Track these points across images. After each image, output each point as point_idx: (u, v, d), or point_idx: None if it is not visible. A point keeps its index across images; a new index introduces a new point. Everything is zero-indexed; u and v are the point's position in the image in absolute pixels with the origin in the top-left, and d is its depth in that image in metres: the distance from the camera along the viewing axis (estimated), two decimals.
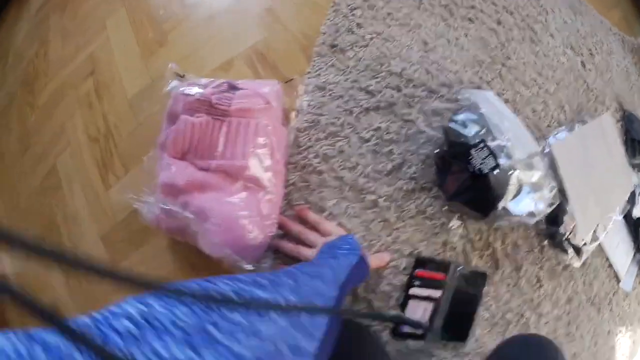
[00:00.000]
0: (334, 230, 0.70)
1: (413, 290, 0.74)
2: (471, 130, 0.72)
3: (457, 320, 0.77)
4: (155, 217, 0.68)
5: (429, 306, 0.75)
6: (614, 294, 0.97)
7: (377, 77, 0.84)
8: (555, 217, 0.86)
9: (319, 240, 0.67)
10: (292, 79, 0.81)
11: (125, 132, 0.89)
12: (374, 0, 0.94)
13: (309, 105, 0.81)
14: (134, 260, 0.80)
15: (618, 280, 1.00)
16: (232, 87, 0.74)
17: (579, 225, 0.86)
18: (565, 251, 0.87)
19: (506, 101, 0.91)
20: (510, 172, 0.69)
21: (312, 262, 0.51)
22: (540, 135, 0.92)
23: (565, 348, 0.85)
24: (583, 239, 0.88)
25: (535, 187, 0.74)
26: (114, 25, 1.00)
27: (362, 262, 0.58)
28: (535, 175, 0.74)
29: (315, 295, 0.41)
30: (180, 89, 0.73)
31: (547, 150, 0.90)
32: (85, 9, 1.10)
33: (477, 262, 0.80)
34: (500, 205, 0.71)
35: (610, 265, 0.98)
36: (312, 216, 0.73)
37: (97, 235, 0.84)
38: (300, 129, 0.80)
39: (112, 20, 1.00)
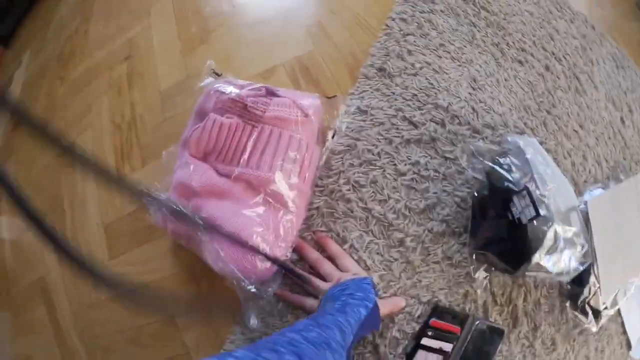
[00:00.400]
0: (352, 268, 0.65)
1: (425, 341, 0.68)
2: (515, 176, 0.69)
3: None
4: (162, 217, 0.64)
5: (438, 359, 0.71)
6: None
7: (422, 109, 0.80)
8: (580, 278, 0.82)
9: (334, 274, 0.63)
10: (334, 96, 0.77)
11: (151, 124, 0.86)
12: (428, 29, 0.91)
13: (347, 127, 0.77)
14: (133, 256, 0.77)
15: (629, 348, 0.97)
16: (270, 93, 0.71)
17: (603, 288, 0.82)
18: (585, 314, 0.83)
19: (547, 151, 0.88)
20: (548, 225, 0.66)
21: (318, 320, 0.46)
22: (577, 190, 0.88)
23: None
24: (604, 303, 0.85)
25: (569, 244, 0.70)
26: (158, 13, 0.98)
27: (373, 313, 0.54)
28: (571, 231, 0.70)
29: None
30: (215, 86, 0.69)
31: (582, 206, 0.86)
32: None
33: (496, 318, 0.76)
34: (534, 259, 0.67)
35: (625, 332, 0.94)
36: (334, 247, 0.68)
37: (101, 224, 0.81)
38: (334, 151, 0.76)
39: (157, 8, 0.98)
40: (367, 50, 0.85)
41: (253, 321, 0.63)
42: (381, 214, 0.72)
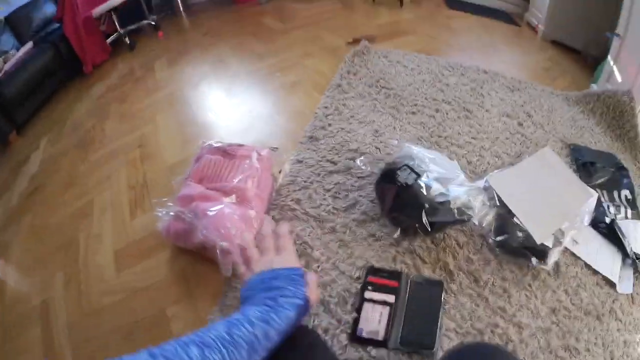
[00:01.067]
0: (288, 248, 0.67)
1: (368, 294, 0.85)
2: (398, 161, 0.99)
3: (418, 326, 0.82)
4: (166, 227, 0.94)
5: (384, 310, 0.83)
6: (613, 301, 0.96)
7: (339, 153, 1.19)
8: (501, 228, 1.00)
9: (269, 252, 0.65)
10: (276, 148, 1.16)
11: (158, 185, 1.20)
12: (342, 108, 1.36)
13: (290, 170, 1.15)
14: (136, 269, 0.99)
15: (611, 286, 0.99)
16: (240, 145, 1.12)
17: (532, 231, 0.99)
18: (524, 256, 0.97)
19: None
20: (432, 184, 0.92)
21: (250, 317, 0.51)
22: (477, 177, 1.13)
23: None
24: (540, 242, 0.97)
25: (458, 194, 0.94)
26: (163, 119, 1.45)
27: (301, 310, 0.56)
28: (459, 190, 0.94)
29: None
30: (207, 143, 1.11)
31: (487, 184, 1.09)
32: (140, 105, 1.56)
33: (430, 275, 0.94)
34: (426, 206, 0.90)
35: (597, 273, 1.00)
36: (284, 228, 0.70)
37: (112, 249, 1.05)
38: (282, 184, 1.12)
39: (162, 116, 1.47)
40: (303, 128, 1.29)
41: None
42: (316, 214, 1.03)
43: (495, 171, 1.18)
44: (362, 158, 1.08)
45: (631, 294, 1.00)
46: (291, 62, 1.76)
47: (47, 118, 1.97)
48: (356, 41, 1.80)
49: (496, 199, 1.07)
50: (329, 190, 1.08)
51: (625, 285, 1.02)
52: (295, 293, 0.56)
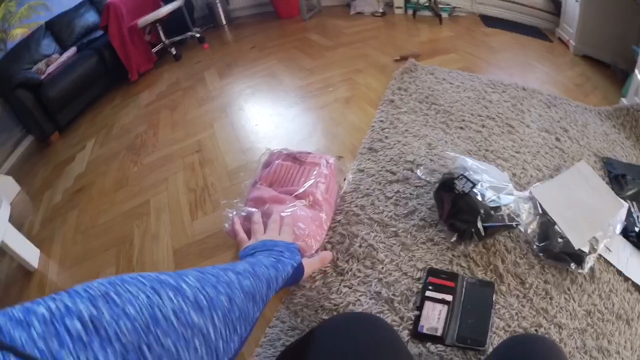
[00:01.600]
0: (288, 232, 0.82)
1: (428, 293, 0.95)
2: (455, 174, 1.12)
3: (472, 324, 0.90)
4: (233, 227, 0.94)
5: (443, 308, 0.93)
6: None
7: (397, 164, 1.33)
8: (544, 234, 1.13)
9: (274, 231, 0.81)
10: (341, 157, 1.30)
11: (220, 188, 1.25)
12: (397, 123, 1.51)
13: (353, 179, 1.29)
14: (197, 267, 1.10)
15: None
16: (308, 153, 1.22)
17: (571, 238, 1.10)
18: (564, 260, 1.08)
19: None
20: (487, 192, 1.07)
21: (255, 269, 0.53)
22: (521, 187, 1.28)
23: None
24: (578, 247, 1.09)
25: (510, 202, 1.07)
26: (220, 127, 1.55)
27: (297, 271, 0.66)
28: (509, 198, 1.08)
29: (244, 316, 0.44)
30: (276, 150, 1.20)
31: (531, 195, 1.23)
32: (194, 113, 1.63)
33: (482, 277, 1.02)
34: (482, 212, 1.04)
35: (627, 279, 1.08)
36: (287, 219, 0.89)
37: (171, 248, 1.06)
38: (346, 191, 1.25)
39: (218, 123, 1.56)
40: (361, 139, 1.43)
41: None
42: (379, 219, 1.17)
43: (538, 183, 1.30)
44: (421, 168, 1.22)
45: None
46: (342, 78, 1.85)
47: (92, 122, 2.01)
48: (403, 58, 1.93)
49: (539, 208, 1.20)
50: (390, 198, 1.21)
51: None
52: (292, 257, 0.66)
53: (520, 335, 0.72)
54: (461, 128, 1.50)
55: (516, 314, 0.98)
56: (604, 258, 1.14)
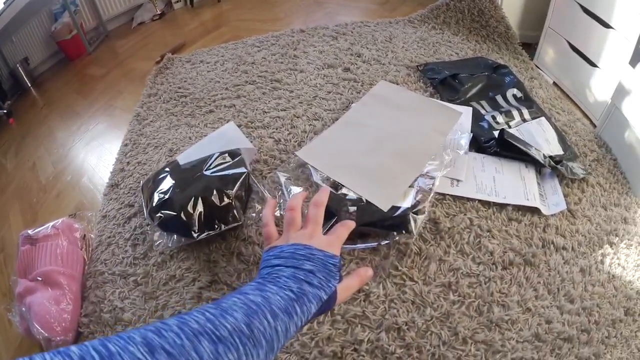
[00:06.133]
0: (338, 234, 0.63)
1: None
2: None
3: None
4: (21, 327, 0.97)
5: None
6: (544, 230, 0.89)
7: (135, 194, 1.08)
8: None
9: (317, 222, 0.61)
10: (72, 214, 1.18)
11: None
12: (140, 139, 1.29)
13: (97, 231, 1.10)
14: None
15: (536, 213, 0.91)
16: (41, 226, 1.10)
17: (374, 199, 0.87)
18: (370, 235, 0.85)
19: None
20: None
21: (273, 307, 0.47)
22: (290, 155, 1.07)
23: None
24: (389, 208, 0.85)
25: None
26: (13, 216, 1.45)
27: (325, 305, 0.54)
28: None
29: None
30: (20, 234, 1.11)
31: (300, 161, 1.00)
32: None
33: None
34: None
35: (504, 207, 0.91)
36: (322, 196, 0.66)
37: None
38: (93, 248, 1.06)
39: (12, 212, 1.46)
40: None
41: None
42: (121, 271, 0.99)
43: (313, 137, 1.07)
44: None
45: (566, 209, 0.92)
46: (102, 109, 1.82)
47: None
48: (163, 57, 1.75)
49: (314, 176, 0.95)
50: (128, 239, 1.02)
51: (553, 202, 0.94)
52: (323, 285, 0.53)
53: None
54: (210, 111, 1.32)
55: (311, 338, 0.75)
56: (450, 197, 0.92)
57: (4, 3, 2.33)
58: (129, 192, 1.12)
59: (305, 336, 0.74)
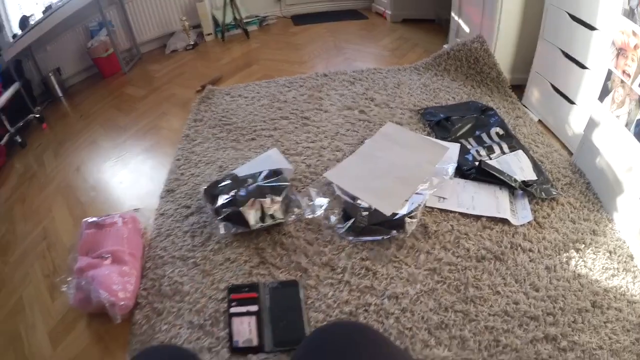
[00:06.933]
0: None
1: (233, 310, 1.05)
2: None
3: (286, 326, 1.00)
4: (74, 299, 1.15)
5: (251, 319, 1.02)
6: (513, 236, 1.16)
7: (191, 198, 1.37)
8: (346, 215, 1.21)
9: None
10: (137, 209, 1.43)
11: (65, 267, 1.32)
12: (191, 156, 1.57)
13: (155, 225, 1.35)
14: (67, 342, 1.18)
15: (506, 224, 1.19)
16: (107, 215, 1.34)
17: (378, 206, 1.19)
18: (376, 232, 1.17)
19: None
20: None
21: None
22: (319, 177, 1.39)
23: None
24: (390, 213, 1.19)
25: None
26: (57, 209, 1.67)
27: None
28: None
29: None
30: (83, 221, 1.35)
31: (326, 180, 1.34)
32: (37, 201, 1.75)
33: (287, 277, 1.11)
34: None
35: (479, 218, 1.21)
36: None
37: (46, 332, 1.24)
38: (151, 238, 1.31)
39: (55, 206, 1.68)
40: (162, 184, 1.53)
41: None
42: (180, 255, 1.22)
43: (335, 165, 1.41)
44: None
45: (534, 220, 1.19)
46: (149, 127, 2.05)
47: None
48: (203, 88, 2.05)
49: (337, 190, 1.28)
50: (187, 232, 1.28)
51: (522, 216, 1.22)
52: None
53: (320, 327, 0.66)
54: (252, 139, 1.62)
55: (334, 301, 1.03)
56: (438, 209, 1.23)
57: (43, 13, 2.49)
58: (184, 197, 1.41)
59: (329, 299, 1.02)
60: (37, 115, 2.56)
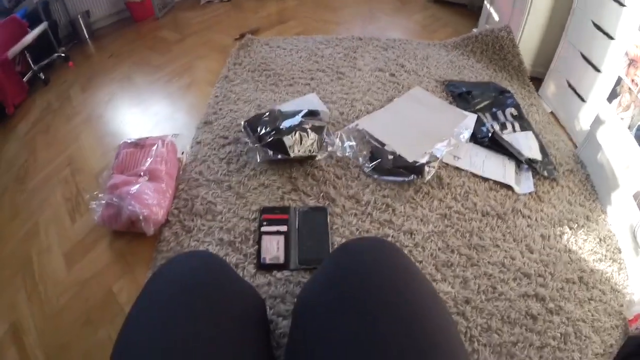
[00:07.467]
0: None
1: (264, 228, 1.17)
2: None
3: (312, 247, 1.12)
4: (100, 216, 1.23)
5: (280, 239, 1.14)
6: (515, 202, 1.30)
7: (229, 130, 1.49)
8: (374, 157, 1.36)
9: None
10: (176, 134, 1.49)
11: (90, 189, 1.43)
12: (230, 94, 1.69)
13: (191, 151, 1.47)
14: (84, 263, 1.24)
15: (509, 188, 1.34)
16: (146, 137, 1.43)
17: (403, 153, 1.34)
18: (399, 174, 1.33)
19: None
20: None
21: None
22: (350, 123, 1.53)
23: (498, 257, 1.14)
24: (412, 160, 1.34)
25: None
26: (85, 137, 1.75)
27: None
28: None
29: None
30: (122, 141, 1.44)
31: (358, 127, 1.50)
32: (63, 131, 1.83)
33: (315, 204, 1.25)
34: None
35: (486, 180, 1.36)
36: None
37: (61, 254, 1.29)
38: (186, 163, 1.42)
39: (83, 134, 1.76)
40: (199, 117, 1.68)
41: None
42: (215, 179, 1.34)
43: (365, 115, 1.56)
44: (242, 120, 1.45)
45: (535, 193, 1.32)
46: (186, 67, 2.14)
47: None
48: (242, 36, 2.18)
49: (367, 136, 1.43)
50: (223, 159, 1.39)
51: (525, 186, 1.35)
52: None
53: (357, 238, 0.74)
54: (290, 85, 1.75)
55: (357, 229, 1.18)
56: (452, 166, 1.38)
57: None
58: (222, 128, 1.53)
59: (353, 227, 1.17)
60: (63, 55, 2.62)
